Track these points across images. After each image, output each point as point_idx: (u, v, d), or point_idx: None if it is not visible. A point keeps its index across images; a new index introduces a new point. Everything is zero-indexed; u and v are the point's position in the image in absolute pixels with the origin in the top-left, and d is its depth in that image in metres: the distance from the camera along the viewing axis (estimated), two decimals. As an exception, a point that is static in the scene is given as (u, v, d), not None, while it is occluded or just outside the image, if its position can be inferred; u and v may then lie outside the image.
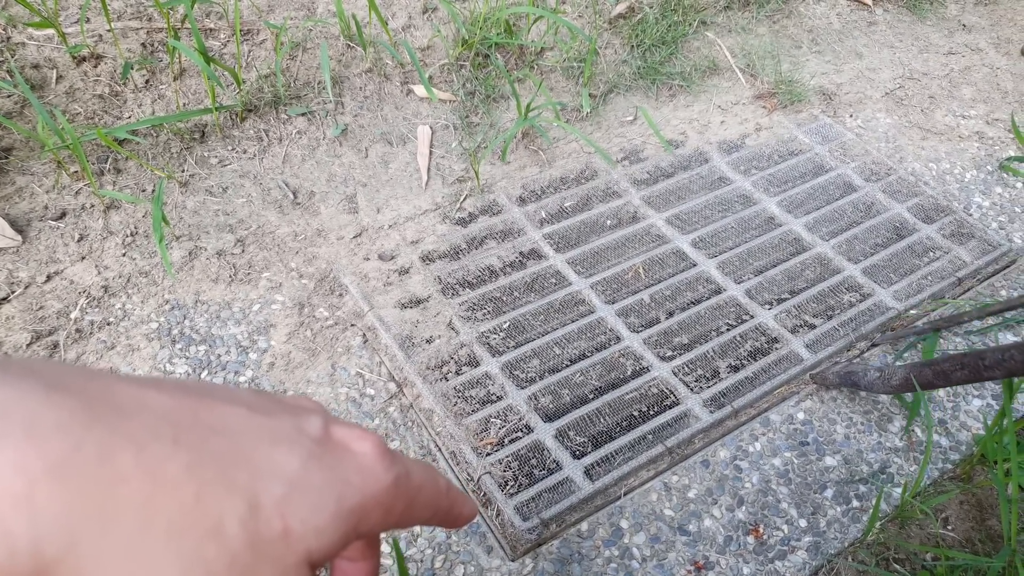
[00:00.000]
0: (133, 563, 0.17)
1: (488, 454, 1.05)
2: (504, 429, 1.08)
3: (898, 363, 1.25)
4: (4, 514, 0.16)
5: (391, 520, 0.25)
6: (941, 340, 1.29)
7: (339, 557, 0.28)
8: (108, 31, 1.37)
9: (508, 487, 1.03)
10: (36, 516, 0.16)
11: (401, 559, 0.82)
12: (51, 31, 1.34)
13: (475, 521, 1.01)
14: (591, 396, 1.14)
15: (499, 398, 1.12)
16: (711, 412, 1.13)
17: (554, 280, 1.28)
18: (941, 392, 1.22)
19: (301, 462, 0.22)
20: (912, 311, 1.32)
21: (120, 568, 0.17)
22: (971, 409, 1.21)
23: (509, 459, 1.05)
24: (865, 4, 1.93)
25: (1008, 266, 1.42)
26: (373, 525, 0.24)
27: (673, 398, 1.15)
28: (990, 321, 1.32)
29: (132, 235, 1.24)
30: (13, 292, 1.14)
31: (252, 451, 0.21)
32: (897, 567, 1.04)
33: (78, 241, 1.21)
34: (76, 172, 1.26)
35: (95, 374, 0.20)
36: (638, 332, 1.22)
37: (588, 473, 1.05)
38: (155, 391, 0.21)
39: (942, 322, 1.25)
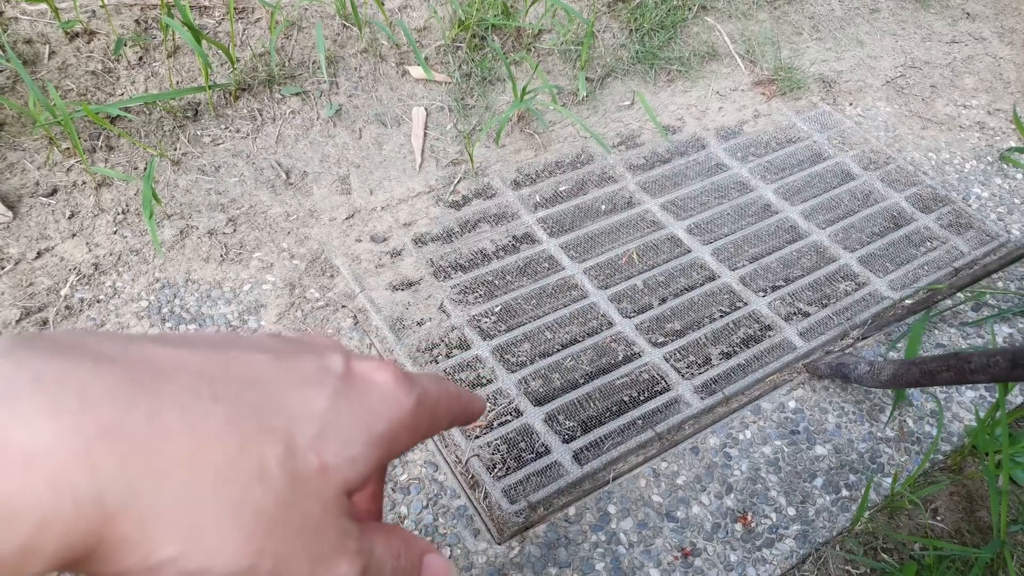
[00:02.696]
0: (188, 511, 0.19)
1: (477, 437, 1.05)
2: (493, 412, 1.08)
3: (891, 353, 1.24)
4: (68, 470, 0.18)
5: (417, 437, 0.26)
6: (935, 331, 1.28)
7: None
8: (101, 7, 1.36)
9: (496, 470, 1.02)
10: (96, 471, 0.18)
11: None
12: (44, 6, 1.33)
13: (462, 503, 1.01)
14: (582, 381, 1.13)
15: (489, 381, 1.11)
16: (702, 399, 1.13)
17: (547, 264, 1.28)
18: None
19: (329, 400, 0.23)
20: (907, 301, 1.31)
21: (177, 515, 0.19)
22: (963, 400, 1.21)
23: (498, 442, 1.05)
24: (869, -9, 1.91)
25: (1011, 262, 1.41)
26: (403, 446, 0.26)
27: (664, 384, 1.14)
28: (985, 312, 1.32)
29: (123, 213, 1.23)
30: (3, 268, 1.13)
31: (283, 397, 0.23)
32: (885, 557, 1.04)
33: (69, 218, 1.20)
34: (68, 149, 1.25)
35: (132, 339, 0.22)
36: (630, 318, 1.22)
37: (577, 458, 1.05)
38: (187, 351, 0.22)
39: (928, 300, 1.24)
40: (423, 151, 1.40)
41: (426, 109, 1.45)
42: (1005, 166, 1.59)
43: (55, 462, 0.18)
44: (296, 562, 0.21)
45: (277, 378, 0.23)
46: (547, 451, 1.05)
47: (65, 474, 0.18)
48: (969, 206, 1.50)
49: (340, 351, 0.26)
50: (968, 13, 1.94)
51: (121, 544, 0.18)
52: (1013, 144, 1.64)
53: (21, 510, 0.17)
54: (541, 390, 1.11)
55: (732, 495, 1.06)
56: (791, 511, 1.05)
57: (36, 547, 0.17)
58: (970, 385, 1.23)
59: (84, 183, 1.23)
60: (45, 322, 1.10)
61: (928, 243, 1.41)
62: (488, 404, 1.09)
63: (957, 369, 0.92)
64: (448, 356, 1.13)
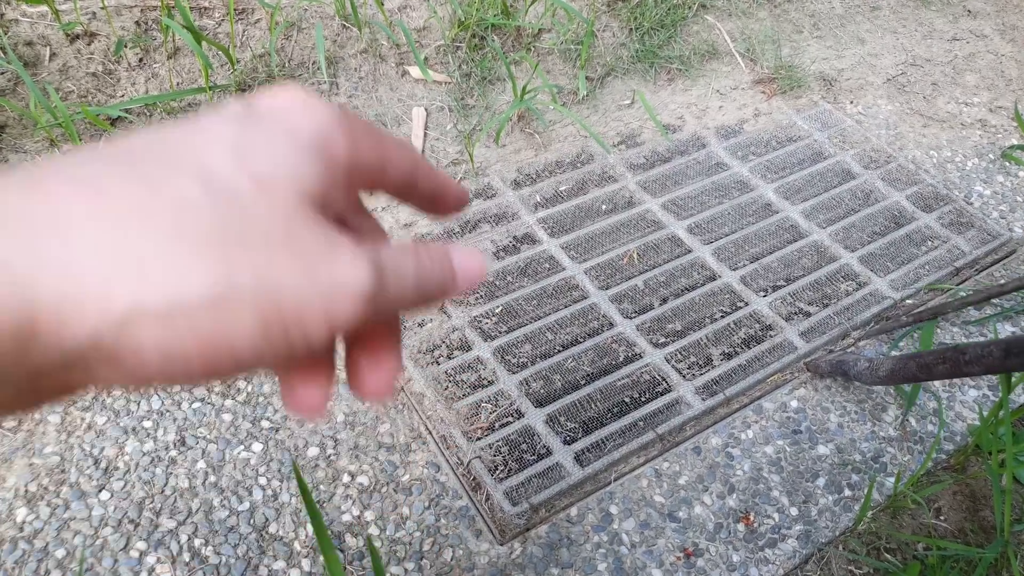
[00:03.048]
0: (118, 253, 0.17)
1: (478, 439, 1.05)
2: (495, 414, 1.08)
3: (892, 352, 1.24)
4: None
5: (363, 157, 0.22)
6: (938, 330, 1.28)
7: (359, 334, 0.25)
8: (102, 8, 1.36)
9: (498, 472, 1.02)
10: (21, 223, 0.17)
11: (376, 559, 0.82)
12: (44, 8, 1.33)
13: (464, 504, 1.00)
14: (583, 382, 1.13)
15: (490, 383, 1.11)
16: (703, 399, 1.12)
17: (548, 265, 1.27)
18: (937, 382, 1.21)
19: (235, 126, 0.20)
20: (908, 300, 1.31)
21: (107, 260, 0.17)
22: (967, 399, 1.21)
23: (499, 444, 1.05)
24: (869, -11, 1.91)
25: (1008, 256, 1.41)
26: (343, 152, 0.21)
27: (665, 385, 1.14)
28: (988, 311, 1.31)
29: (123, 215, 1.23)
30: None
31: (182, 139, 0.19)
32: (888, 557, 1.04)
33: (69, 220, 1.20)
34: (69, 150, 1.25)
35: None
36: (631, 318, 1.21)
37: (578, 459, 1.04)
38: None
39: (939, 309, 1.24)
40: (423, 151, 1.40)
41: (426, 109, 1.44)
42: (1007, 164, 1.59)
43: None
44: (282, 272, 0.18)
45: (173, 128, 0.20)
46: (548, 453, 1.05)
47: None
48: (971, 204, 1.49)
49: (237, 100, 0.22)
50: (969, 10, 1.94)
51: (62, 308, 0.16)
52: (1015, 142, 1.63)
53: None
54: (542, 391, 1.11)
55: (734, 495, 1.06)
56: (793, 511, 1.05)
57: None
58: (973, 384, 1.22)
59: (84, 185, 1.23)
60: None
61: (929, 242, 1.41)
62: (490, 406, 1.09)
63: (953, 361, 0.92)
64: (449, 357, 1.13)
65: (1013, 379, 1.17)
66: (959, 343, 1.26)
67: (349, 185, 0.22)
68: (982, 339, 1.28)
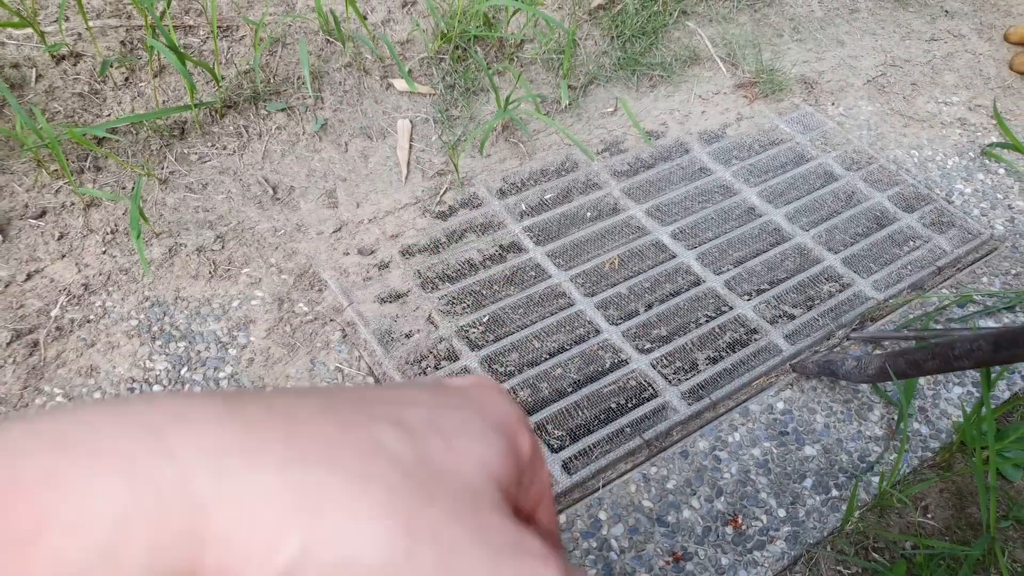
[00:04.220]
0: (299, 488, 0.16)
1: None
2: (483, 422, 1.09)
3: (875, 351, 1.25)
4: (141, 460, 0.15)
5: (538, 453, 0.22)
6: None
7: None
8: (87, 29, 1.37)
9: (486, 480, 1.03)
10: (174, 456, 0.16)
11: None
12: (30, 30, 1.34)
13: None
14: (569, 389, 1.14)
15: (478, 392, 1.12)
16: (689, 404, 1.13)
17: (534, 273, 1.29)
18: (922, 381, 1.23)
19: (431, 395, 0.21)
20: (891, 300, 1.32)
21: (287, 494, 0.16)
22: (951, 397, 1.22)
23: (487, 452, 1.06)
24: (849, -8, 1.93)
25: (989, 253, 1.42)
26: (529, 449, 0.21)
27: (651, 390, 1.15)
28: (972, 309, 1.33)
29: (112, 233, 1.24)
30: (-8, 292, 1.14)
31: (379, 395, 0.20)
32: (876, 556, 1.05)
33: (58, 239, 1.21)
34: (56, 171, 1.26)
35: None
36: (617, 325, 1.23)
37: (566, 467, 1.05)
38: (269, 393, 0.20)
39: (927, 333, 1.25)
40: (409, 163, 1.41)
41: (411, 121, 1.46)
42: (987, 161, 1.60)
43: (124, 455, 0.15)
44: (466, 556, 0.16)
45: (366, 389, 0.20)
46: (537, 459, 1.06)
47: (138, 466, 0.15)
48: (951, 203, 1.51)
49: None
50: (947, 10, 1.96)
51: (226, 549, 0.15)
52: (995, 139, 1.65)
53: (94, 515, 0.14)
54: (530, 400, 1.12)
55: (722, 498, 1.07)
56: (781, 512, 1.06)
57: (116, 556, 0.14)
58: (957, 380, 1.24)
59: (73, 204, 1.24)
60: (36, 344, 1.11)
61: (911, 242, 1.42)
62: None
63: (942, 357, 0.93)
64: (436, 367, 1.14)
65: (993, 375, 1.18)
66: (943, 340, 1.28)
67: (520, 485, 0.21)
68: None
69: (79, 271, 1.19)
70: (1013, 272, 1.39)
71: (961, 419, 1.18)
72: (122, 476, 0.15)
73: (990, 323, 1.31)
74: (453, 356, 1.16)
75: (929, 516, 1.11)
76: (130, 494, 0.15)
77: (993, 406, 1.17)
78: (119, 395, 1.07)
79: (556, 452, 1.06)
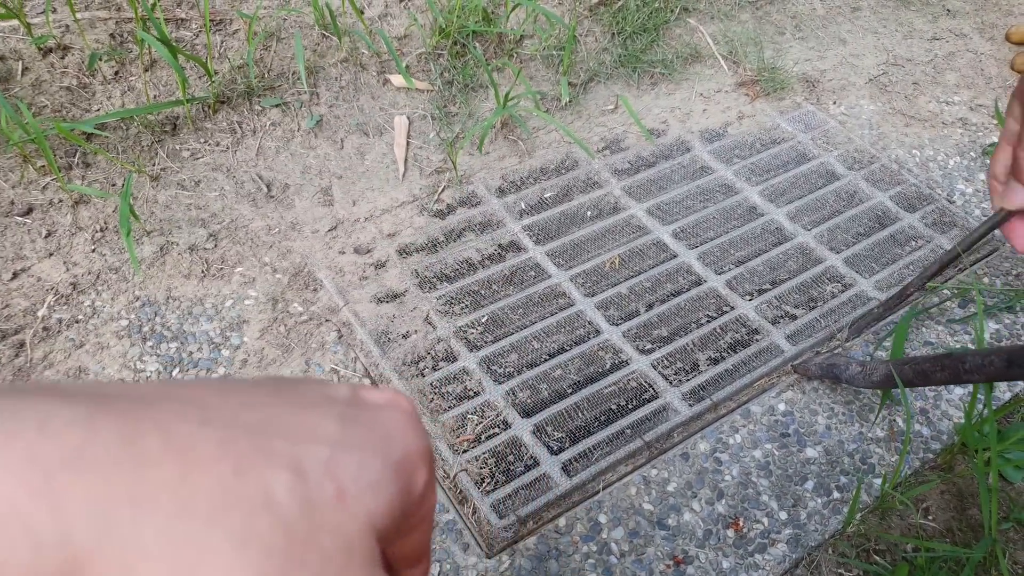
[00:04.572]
0: (179, 546, 0.16)
1: (465, 451, 1.04)
2: (481, 425, 1.07)
3: (879, 353, 1.24)
4: (23, 508, 0.15)
5: (433, 477, 0.23)
6: (923, 328, 1.28)
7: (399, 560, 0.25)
8: (75, 21, 1.34)
9: (484, 484, 1.01)
10: (59, 506, 0.15)
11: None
12: (15, 22, 1.31)
13: (451, 518, 0.99)
14: (569, 391, 1.12)
15: (476, 394, 1.10)
16: (690, 405, 1.12)
17: (533, 273, 1.27)
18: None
19: (337, 424, 0.21)
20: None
21: (166, 553, 0.16)
22: (952, 398, 1.21)
23: (486, 456, 1.04)
24: (849, -11, 1.91)
25: (990, 254, 1.41)
26: (422, 482, 0.22)
27: (652, 392, 1.14)
28: (972, 309, 1.32)
29: (102, 231, 1.21)
30: (-22, 290, 1.11)
31: (284, 421, 0.20)
32: (878, 559, 1.04)
33: (45, 237, 1.18)
34: (43, 167, 1.23)
35: (115, 383, 0.19)
36: (617, 325, 1.21)
37: (566, 469, 1.04)
38: (177, 386, 0.20)
39: (900, 298, 1.22)
40: (406, 160, 1.39)
41: (408, 118, 1.43)
42: (988, 161, 1.59)
43: (5, 500, 0.15)
44: None
45: (276, 403, 0.21)
46: (536, 463, 1.04)
47: (18, 513, 0.15)
48: (953, 203, 1.50)
49: (346, 384, 0.24)
50: (949, 10, 1.95)
51: None
52: (996, 139, 1.64)
53: None
54: (529, 401, 1.11)
55: (723, 501, 1.05)
56: (783, 515, 1.05)
57: None
58: (958, 383, 1.23)
59: (60, 201, 1.22)
60: (22, 344, 1.08)
61: (913, 242, 1.41)
62: (476, 417, 1.08)
63: (952, 369, 0.92)
64: (435, 369, 1.12)
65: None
66: (947, 345, 1.27)
67: (404, 520, 0.22)
68: (967, 337, 1.28)
69: (67, 270, 1.16)
70: (1014, 272, 1.38)
71: (962, 420, 1.17)
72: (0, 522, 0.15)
73: (991, 324, 1.30)
74: (451, 357, 1.14)
75: (930, 518, 1.10)
76: (7, 541, 0.15)
77: (994, 407, 1.16)
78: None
79: (556, 454, 1.05)
